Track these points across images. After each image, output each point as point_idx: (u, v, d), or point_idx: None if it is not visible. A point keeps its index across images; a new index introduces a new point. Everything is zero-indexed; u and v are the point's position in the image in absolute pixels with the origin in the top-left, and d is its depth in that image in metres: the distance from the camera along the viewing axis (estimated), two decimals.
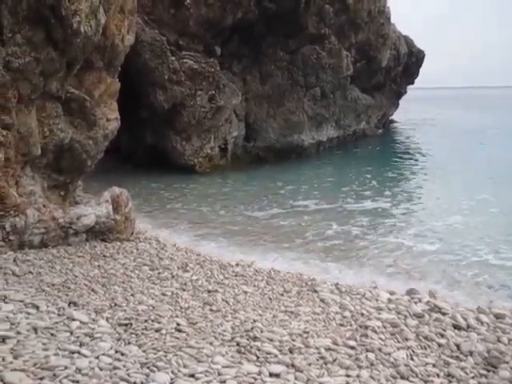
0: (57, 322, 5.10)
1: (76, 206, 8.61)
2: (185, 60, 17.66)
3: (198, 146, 18.45)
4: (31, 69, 7.18)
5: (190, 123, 17.91)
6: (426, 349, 5.22)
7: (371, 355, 4.90)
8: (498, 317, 6.20)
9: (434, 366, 4.82)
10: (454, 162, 21.49)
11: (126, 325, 5.21)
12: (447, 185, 16.73)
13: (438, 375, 4.64)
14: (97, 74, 8.72)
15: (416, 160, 22.90)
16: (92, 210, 8.58)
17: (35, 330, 4.85)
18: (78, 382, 3.97)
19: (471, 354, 5.11)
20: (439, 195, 14.99)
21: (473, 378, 4.64)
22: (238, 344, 4.94)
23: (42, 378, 3.96)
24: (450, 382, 4.53)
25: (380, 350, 5.06)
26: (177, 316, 5.57)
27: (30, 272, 6.74)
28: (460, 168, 19.81)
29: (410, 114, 47.80)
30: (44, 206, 7.99)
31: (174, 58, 17.44)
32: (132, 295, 6.19)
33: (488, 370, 4.80)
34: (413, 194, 15.39)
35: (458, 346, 5.27)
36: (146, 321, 5.33)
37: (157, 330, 5.11)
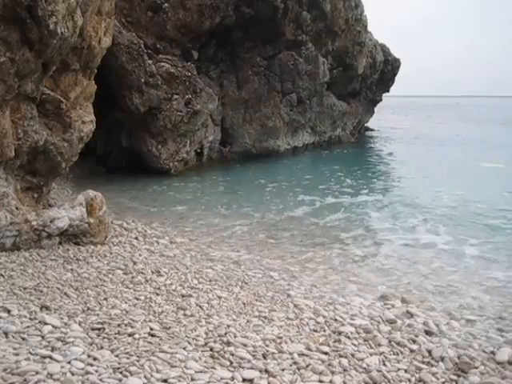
0: (28, 326, 5.03)
1: (49, 209, 8.52)
2: (162, 63, 17.61)
3: (174, 150, 18.39)
4: (6, 69, 7.09)
5: (166, 127, 17.85)
6: (398, 354, 5.27)
7: (344, 361, 4.93)
8: (469, 322, 6.30)
9: (405, 371, 4.87)
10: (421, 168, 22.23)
11: (98, 329, 5.17)
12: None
13: (409, 380, 4.69)
14: (73, 75, 8.66)
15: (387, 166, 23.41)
16: (66, 212, 8.50)
17: (6, 334, 4.78)
18: None
19: (442, 359, 5.17)
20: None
21: (443, 383, 4.70)
22: (211, 349, 4.93)
23: None
24: None
25: (353, 355, 5.09)
26: (150, 321, 5.54)
27: (2, 275, 6.64)
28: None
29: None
30: (17, 208, 7.89)
31: (150, 62, 17.38)
32: (105, 299, 6.14)
33: (458, 376, 4.86)
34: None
35: (429, 352, 5.33)
36: (119, 325, 5.30)
37: (130, 335, 5.08)
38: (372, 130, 39.97)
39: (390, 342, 5.55)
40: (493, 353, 5.43)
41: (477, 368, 5.03)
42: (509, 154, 25.70)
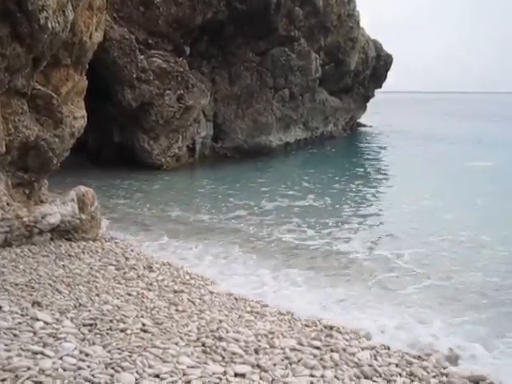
0: (20, 323, 5.03)
1: (41, 205, 8.49)
2: (153, 59, 17.56)
3: (166, 146, 18.36)
4: None
5: (158, 122, 17.82)
6: (389, 349, 5.30)
7: (336, 355, 4.95)
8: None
9: (396, 365, 4.90)
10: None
11: (90, 325, 5.17)
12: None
13: (400, 375, 4.71)
14: (64, 71, 8.62)
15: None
16: (57, 208, 8.48)
17: None
18: (41, 383, 3.92)
19: (434, 352, 5.22)
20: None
21: (434, 377, 4.73)
22: (203, 344, 4.94)
23: (3, 380, 3.90)
24: (412, 381, 4.61)
25: (344, 350, 5.11)
26: (142, 316, 5.54)
27: None
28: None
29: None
30: (8, 204, 7.86)
31: (142, 57, 17.33)
32: (97, 295, 6.13)
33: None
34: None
35: (421, 346, 5.37)
36: (111, 321, 5.30)
37: (122, 330, 5.08)
38: (364, 125, 39.94)
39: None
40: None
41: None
42: (500, 152, 25.26)
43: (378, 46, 32.82)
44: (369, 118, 39.47)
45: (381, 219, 12.46)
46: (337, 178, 18.03)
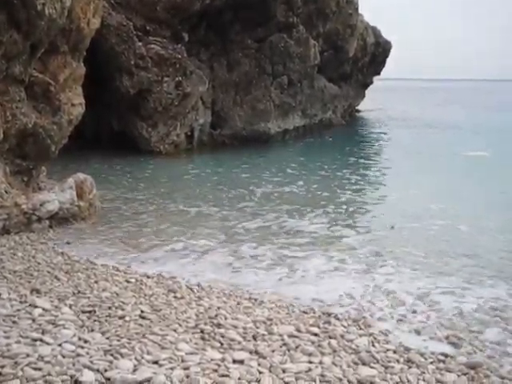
0: (19, 310, 5.05)
1: (39, 192, 8.50)
2: (151, 45, 17.48)
3: (164, 133, 18.32)
4: None
5: (157, 110, 17.78)
6: (387, 335, 5.33)
7: (334, 342, 4.97)
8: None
9: (394, 352, 4.92)
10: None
11: (89, 312, 5.19)
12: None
13: (398, 361, 4.73)
14: (62, 58, 8.60)
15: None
16: (56, 196, 8.48)
17: None
18: (40, 369, 3.93)
19: (431, 339, 5.24)
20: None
21: (431, 363, 4.75)
22: (201, 331, 4.96)
23: (3, 367, 3.92)
24: (410, 367, 4.63)
25: (342, 336, 5.13)
26: (141, 303, 5.55)
27: None
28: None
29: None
30: (6, 191, 7.86)
31: (140, 44, 17.25)
32: (96, 282, 6.15)
33: (446, 356, 4.92)
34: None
35: (418, 333, 5.39)
36: (109, 308, 5.31)
37: (120, 317, 5.09)
38: (362, 111, 39.86)
39: None
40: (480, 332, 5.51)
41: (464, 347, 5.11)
42: (497, 140, 24.80)
43: (376, 33, 32.70)
44: (367, 105, 39.35)
45: (348, 206, 11.58)
46: (326, 167, 17.12)
